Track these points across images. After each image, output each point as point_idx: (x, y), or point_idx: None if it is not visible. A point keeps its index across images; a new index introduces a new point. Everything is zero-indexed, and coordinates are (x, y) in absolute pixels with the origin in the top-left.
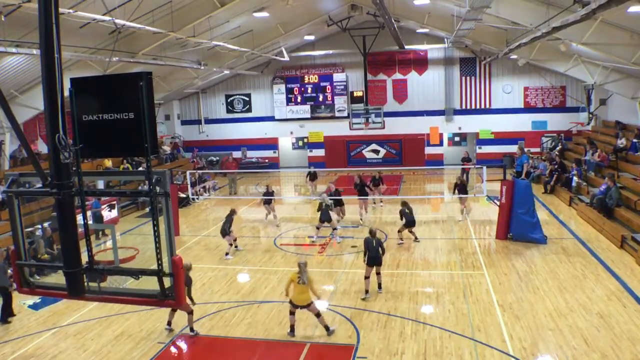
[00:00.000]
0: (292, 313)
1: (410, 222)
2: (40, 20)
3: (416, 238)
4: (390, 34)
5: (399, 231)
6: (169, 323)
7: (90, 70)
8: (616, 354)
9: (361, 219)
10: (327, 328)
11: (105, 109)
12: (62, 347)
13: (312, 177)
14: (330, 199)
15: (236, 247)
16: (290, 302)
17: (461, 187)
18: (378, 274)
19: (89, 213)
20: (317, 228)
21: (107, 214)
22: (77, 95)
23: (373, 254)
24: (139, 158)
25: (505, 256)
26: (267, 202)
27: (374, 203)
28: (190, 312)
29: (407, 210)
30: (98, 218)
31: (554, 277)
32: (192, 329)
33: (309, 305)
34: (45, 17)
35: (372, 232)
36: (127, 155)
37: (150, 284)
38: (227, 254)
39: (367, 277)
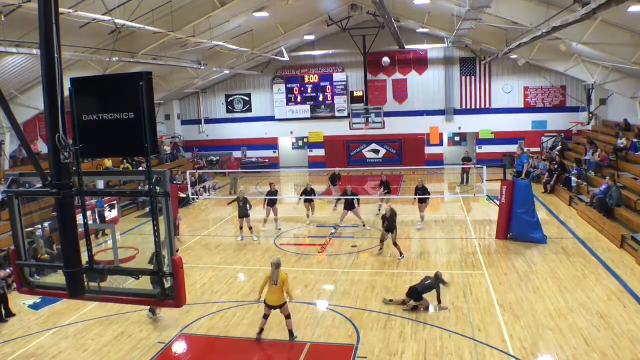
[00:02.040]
0: (265, 317)
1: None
2: (40, 20)
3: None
4: (391, 34)
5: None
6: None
7: (91, 70)
8: (616, 353)
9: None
10: (291, 333)
11: (105, 109)
12: (62, 347)
13: (335, 180)
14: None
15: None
16: (265, 302)
17: (422, 192)
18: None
19: (89, 213)
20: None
21: (107, 214)
22: (77, 95)
23: (418, 289)
24: (139, 158)
25: (505, 256)
26: (271, 204)
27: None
28: None
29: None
30: (101, 217)
31: (554, 277)
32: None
33: (282, 306)
34: (45, 17)
35: (437, 277)
36: (127, 155)
37: (150, 284)
38: None
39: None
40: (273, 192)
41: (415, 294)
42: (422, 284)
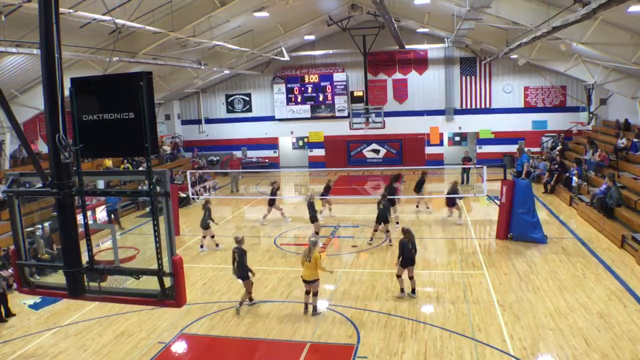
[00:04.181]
0: (307, 292)
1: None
2: (41, 20)
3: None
4: (391, 34)
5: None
6: (250, 299)
7: (91, 70)
8: (616, 353)
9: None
10: (314, 309)
11: (105, 109)
12: (62, 347)
13: (395, 180)
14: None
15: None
16: (302, 277)
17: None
18: (411, 277)
19: (100, 210)
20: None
21: (106, 215)
22: (77, 95)
23: (408, 255)
24: (140, 158)
25: (505, 256)
26: (271, 203)
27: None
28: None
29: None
30: (114, 212)
31: (554, 276)
32: (250, 299)
33: (313, 282)
34: (46, 17)
35: (406, 232)
36: (128, 155)
37: (150, 284)
38: (201, 246)
39: (399, 276)
40: (274, 192)
41: (412, 260)
42: (407, 251)
